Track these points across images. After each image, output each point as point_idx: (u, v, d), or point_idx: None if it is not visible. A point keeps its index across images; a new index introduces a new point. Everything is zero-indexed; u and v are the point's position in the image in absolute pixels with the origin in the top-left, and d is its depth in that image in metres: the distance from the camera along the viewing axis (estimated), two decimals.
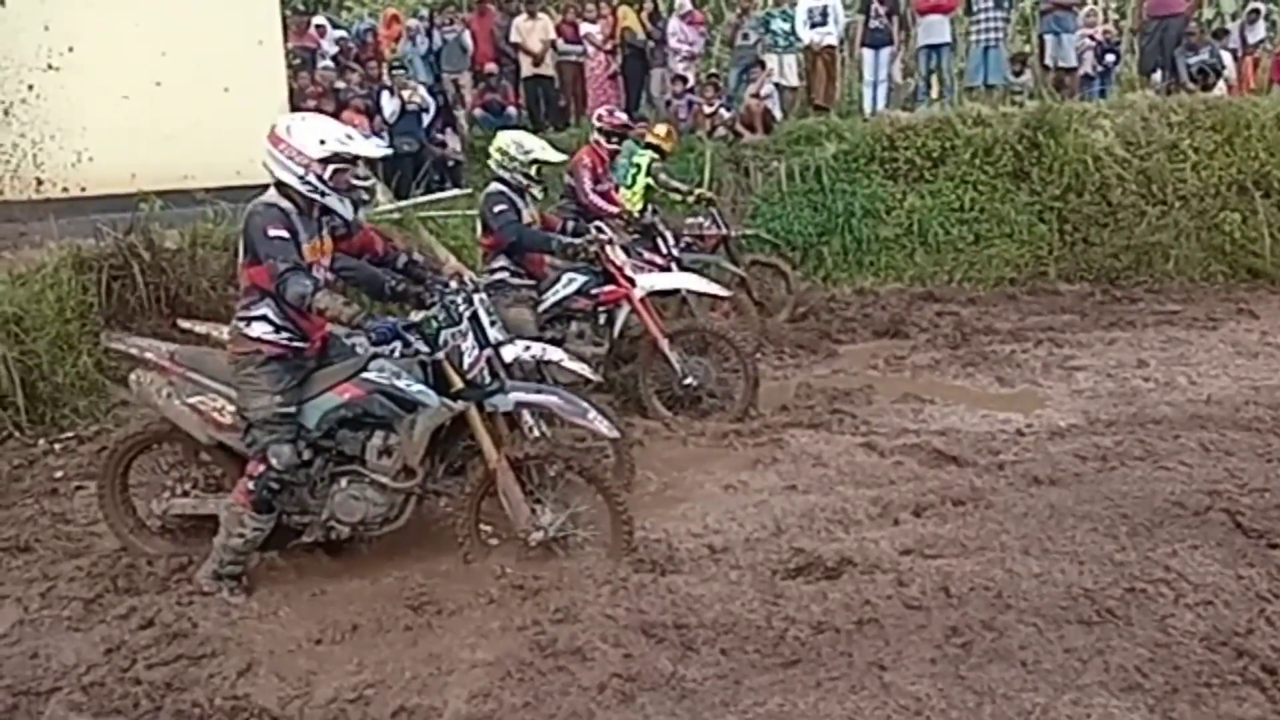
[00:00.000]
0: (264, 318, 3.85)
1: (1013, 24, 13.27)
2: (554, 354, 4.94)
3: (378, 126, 10.33)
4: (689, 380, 6.01)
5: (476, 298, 4.21)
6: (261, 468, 3.85)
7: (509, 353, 4.45)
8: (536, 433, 4.48)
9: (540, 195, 6.22)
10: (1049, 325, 8.31)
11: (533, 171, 5.97)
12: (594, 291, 6.05)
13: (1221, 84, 11.49)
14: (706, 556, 4.10)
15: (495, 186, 5.99)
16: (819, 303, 9.12)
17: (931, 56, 11.95)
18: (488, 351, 4.12)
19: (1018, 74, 12.14)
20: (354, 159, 3.88)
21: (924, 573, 3.70)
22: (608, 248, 5.98)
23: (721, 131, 11.05)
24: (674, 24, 12.20)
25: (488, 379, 4.03)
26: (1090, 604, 3.41)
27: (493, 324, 4.28)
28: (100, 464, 4.43)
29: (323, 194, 3.79)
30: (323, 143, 3.76)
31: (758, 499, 4.73)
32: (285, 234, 3.72)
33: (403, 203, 9.24)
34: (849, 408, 6.21)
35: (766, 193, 10.50)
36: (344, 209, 3.91)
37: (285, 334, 3.88)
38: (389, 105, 10.60)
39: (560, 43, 12.11)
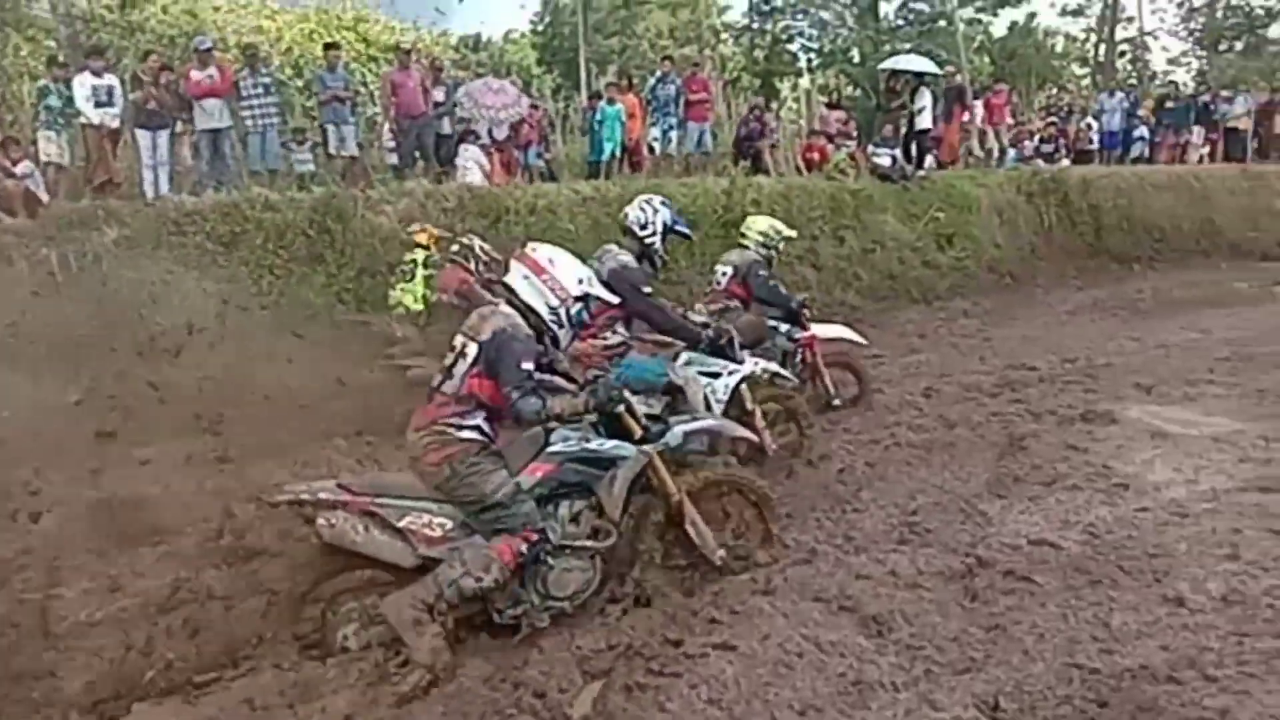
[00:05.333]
0: (477, 427, 4.05)
1: (290, 110, 13.56)
2: (772, 366, 6.36)
3: None
4: (837, 400, 7.71)
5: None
6: (535, 537, 3.98)
7: (746, 369, 5.87)
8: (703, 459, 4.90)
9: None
10: None
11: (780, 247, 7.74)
12: (796, 336, 7.49)
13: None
14: None
15: (756, 255, 7.43)
16: None
17: (212, 140, 11.73)
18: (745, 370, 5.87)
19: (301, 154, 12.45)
20: (592, 299, 4.25)
21: None
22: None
23: None
24: None
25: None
26: None
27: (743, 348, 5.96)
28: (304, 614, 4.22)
29: (561, 326, 4.13)
30: (580, 282, 4.16)
31: None
32: (533, 367, 3.97)
33: None
34: None
35: (38, 283, 9.14)
36: (566, 342, 4.29)
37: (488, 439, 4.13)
38: None
39: None
